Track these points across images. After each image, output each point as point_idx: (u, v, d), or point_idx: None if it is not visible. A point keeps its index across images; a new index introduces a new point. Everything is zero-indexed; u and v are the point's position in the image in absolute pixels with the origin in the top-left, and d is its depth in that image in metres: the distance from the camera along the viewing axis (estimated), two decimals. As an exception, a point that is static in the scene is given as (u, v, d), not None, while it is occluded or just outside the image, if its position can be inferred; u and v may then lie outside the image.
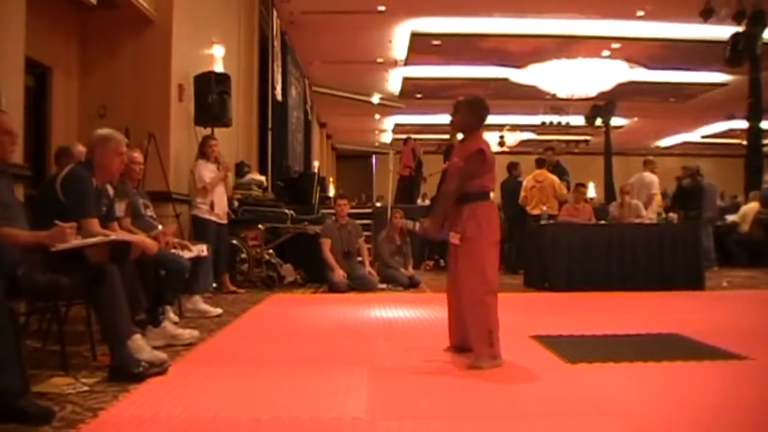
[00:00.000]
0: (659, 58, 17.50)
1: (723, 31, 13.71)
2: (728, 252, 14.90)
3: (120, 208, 5.61)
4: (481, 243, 4.68)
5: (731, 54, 13.80)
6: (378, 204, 19.03)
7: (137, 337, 4.14)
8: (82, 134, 7.40)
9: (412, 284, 10.30)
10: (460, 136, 5.16)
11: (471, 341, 4.64)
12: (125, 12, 8.23)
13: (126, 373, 3.92)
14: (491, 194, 4.92)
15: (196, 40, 9.58)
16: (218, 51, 9.77)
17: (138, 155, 6.71)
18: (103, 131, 4.82)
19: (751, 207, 14.63)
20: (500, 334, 4.57)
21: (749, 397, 3.77)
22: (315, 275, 10.35)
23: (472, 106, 4.96)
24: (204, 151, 8.71)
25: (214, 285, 8.42)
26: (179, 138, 8.92)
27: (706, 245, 12.53)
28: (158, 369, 4.06)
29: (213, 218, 8.69)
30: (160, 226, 6.77)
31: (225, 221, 9.00)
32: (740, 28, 13.42)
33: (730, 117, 21.97)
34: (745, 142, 15.89)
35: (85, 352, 4.60)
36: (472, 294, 4.62)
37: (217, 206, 8.76)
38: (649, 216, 11.59)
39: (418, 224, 5.38)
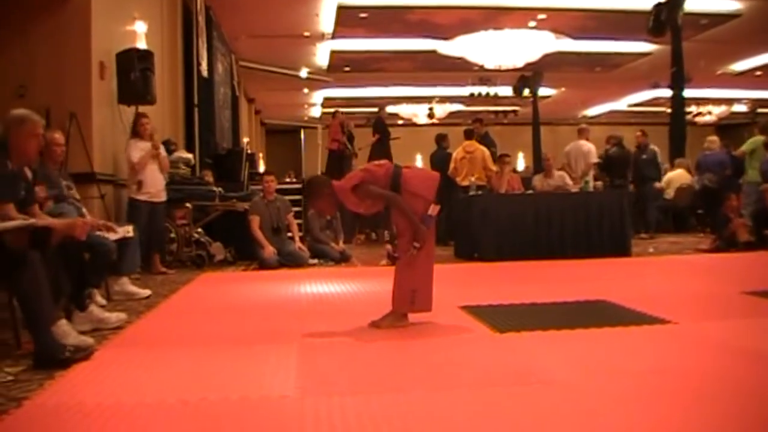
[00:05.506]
0: (585, 29, 17.63)
1: (646, 2, 13.92)
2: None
3: (41, 191, 5.50)
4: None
5: (654, 24, 14.05)
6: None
7: (62, 322, 4.05)
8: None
9: (343, 259, 10.30)
10: None
11: (393, 300, 4.79)
12: (41, -13, 8.03)
13: (51, 359, 3.83)
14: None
15: (117, 16, 9.37)
16: (140, 27, 9.57)
17: (59, 136, 6.58)
18: (19, 112, 4.70)
19: (677, 174, 14.93)
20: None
21: (673, 361, 3.86)
22: (245, 253, 10.29)
23: (312, 190, 5.03)
24: (136, 130, 8.62)
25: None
26: (102, 117, 8.75)
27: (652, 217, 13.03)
28: (84, 354, 3.98)
29: (143, 198, 8.59)
30: (84, 209, 6.67)
31: (162, 199, 8.91)
32: (662, -1, 13.67)
33: (655, 86, 22.30)
34: (669, 110, 16.18)
35: (9, 339, 4.47)
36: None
37: (149, 185, 8.66)
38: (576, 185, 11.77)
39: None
